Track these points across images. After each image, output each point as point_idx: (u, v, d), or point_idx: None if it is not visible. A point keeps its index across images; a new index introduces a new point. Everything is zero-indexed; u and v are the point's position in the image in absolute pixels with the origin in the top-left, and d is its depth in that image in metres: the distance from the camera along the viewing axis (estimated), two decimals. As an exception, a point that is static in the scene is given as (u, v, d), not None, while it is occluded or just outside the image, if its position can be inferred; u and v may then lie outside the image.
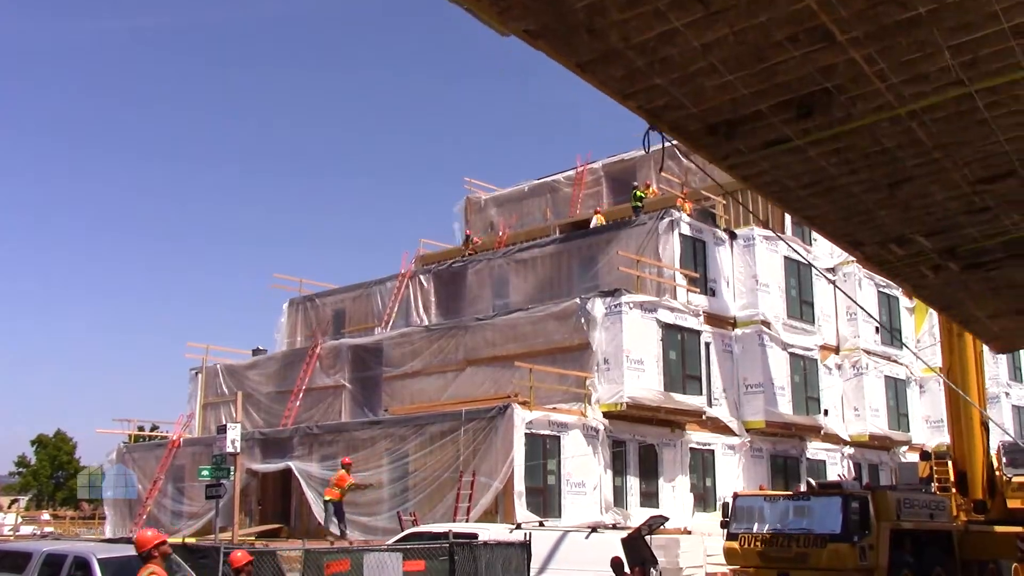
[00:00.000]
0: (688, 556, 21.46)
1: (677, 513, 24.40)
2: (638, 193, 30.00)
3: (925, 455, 26.78)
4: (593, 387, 24.41)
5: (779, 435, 29.08)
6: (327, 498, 22.91)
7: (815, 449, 30.43)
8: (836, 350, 32.13)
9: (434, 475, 23.27)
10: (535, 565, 15.64)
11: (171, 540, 20.55)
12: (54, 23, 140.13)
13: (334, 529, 22.82)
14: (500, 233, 35.44)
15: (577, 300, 25.50)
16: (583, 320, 25.00)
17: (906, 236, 11.82)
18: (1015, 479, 22.11)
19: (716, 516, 22.35)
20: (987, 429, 22.62)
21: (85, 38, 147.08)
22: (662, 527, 18.76)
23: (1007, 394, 38.44)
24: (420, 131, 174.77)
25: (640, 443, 25.34)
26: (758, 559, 18.29)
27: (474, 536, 16.23)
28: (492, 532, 16.89)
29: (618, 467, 24.72)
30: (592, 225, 31.57)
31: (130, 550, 13.70)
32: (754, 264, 28.80)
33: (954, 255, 12.65)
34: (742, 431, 28.04)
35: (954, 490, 22.74)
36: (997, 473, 22.61)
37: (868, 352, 32.16)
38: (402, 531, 19.45)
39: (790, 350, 29.17)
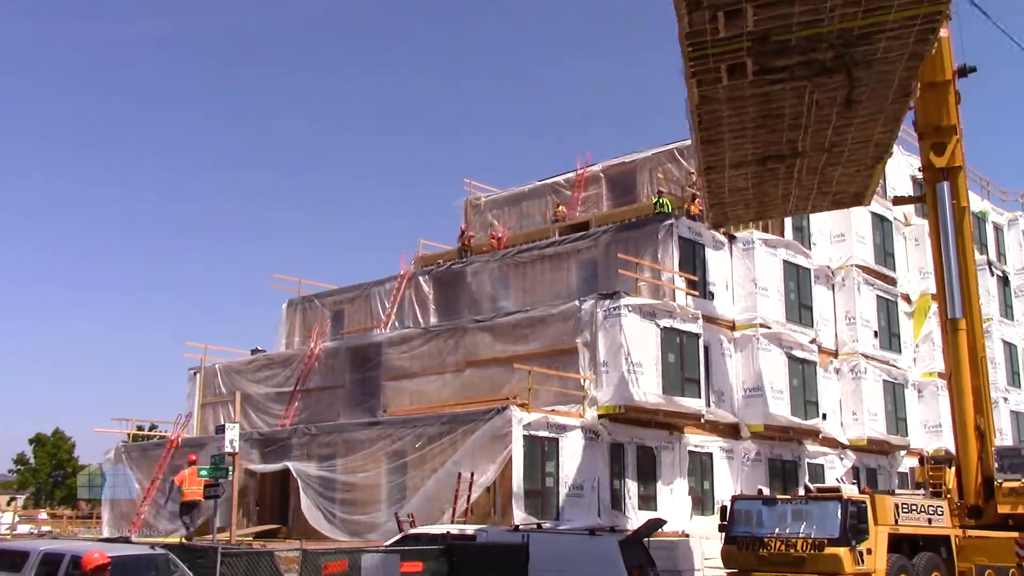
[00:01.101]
0: (686, 559, 21.46)
1: (675, 516, 24.42)
2: (663, 200, 29.75)
3: (924, 460, 26.80)
4: (591, 389, 24.41)
5: (777, 438, 29.08)
6: (196, 499, 23.68)
7: (813, 453, 30.44)
8: (835, 354, 32.13)
9: (432, 476, 23.25)
10: (532, 567, 15.63)
11: (168, 540, 20.58)
12: (57, 26, 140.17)
13: (187, 528, 23.56)
14: (500, 235, 35.34)
15: (576, 302, 25.50)
16: (582, 322, 25.01)
17: (741, 2, 12.93)
18: (1005, 484, 22.06)
19: (714, 519, 22.35)
20: (982, 434, 22.60)
21: (87, 41, 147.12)
22: (660, 530, 18.76)
23: (1005, 399, 38.45)
24: (420, 132, 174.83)
25: (638, 446, 25.34)
26: (756, 562, 18.30)
27: (472, 538, 16.25)
28: (490, 534, 16.88)
29: (616, 470, 24.72)
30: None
31: (129, 549, 13.73)
32: (753, 267, 28.81)
33: (762, 48, 13.93)
34: (740, 434, 28.04)
35: (949, 495, 22.75)
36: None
37: (866, 356, 32.15)
38: (400, 532, 19.45)
39: (789, 353, 29.17)
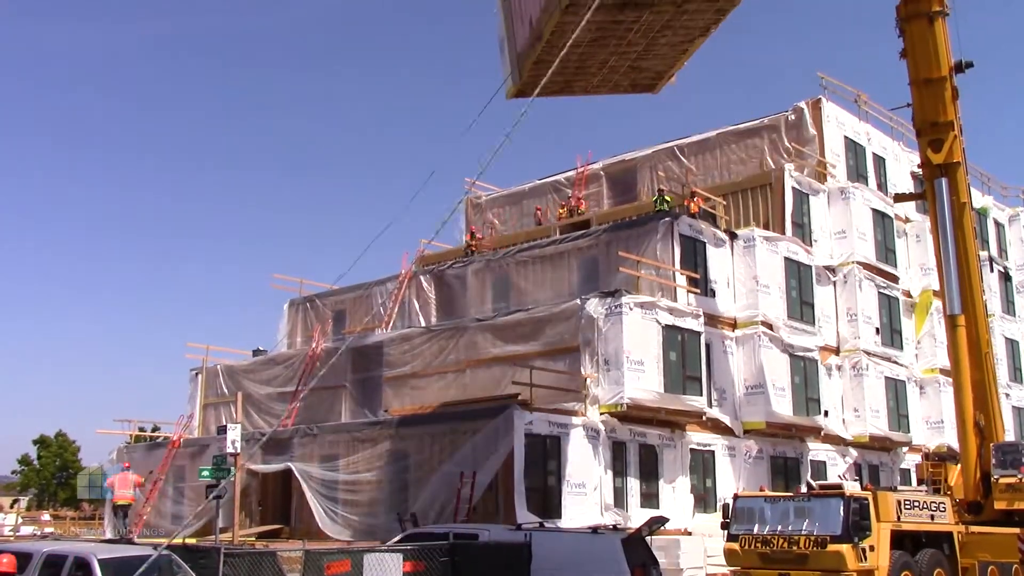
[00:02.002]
0: (688, 557, 21.47)
1: (677, 514, 24.38)
2: (666, 197, 29.74)
3: (929, 456, 26.80)
4: (593, 388, 24.39)
5: (779, 436, 29.06)
6: (126, 503, 24.13)
7: (815, 450, 30.42)
8: (836, 351, 32.09)
9: (434, 476, 23.24)
10: (535, 566, 15.61)
11: (171, 541, 20.57)
12: (58, 27, 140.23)
13: (119, 531, 23.95)
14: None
15: (577, 300, 25.48)
16: (583, 321, 24.98)
17: None
18: (1002, 480, 21.99)
19: (716, 517, 22.36)
20: (981, 429, 22.58)
21: (88, 41, 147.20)
22: (662, 528, 18.76)
23: (1007, 395, 38.38)
24: (420, 131, 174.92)
25: (640, 444, 25.32)
26: (758, 560, 18.31)
27: (474, 537, 16.22)
28: (492, 533, 16.87)
29: (618, 468, 24.70)
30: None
31: (131, 550, 13.74)
32: (754, 265, 28.76)
33: None
34: (742, 432, 28.02)
35: (950, 491, 22.74)
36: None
37: (868, 353, 32.10)
38: (402, 532, 19.44)
39: (790, 351, 29.13)
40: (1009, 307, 41.12)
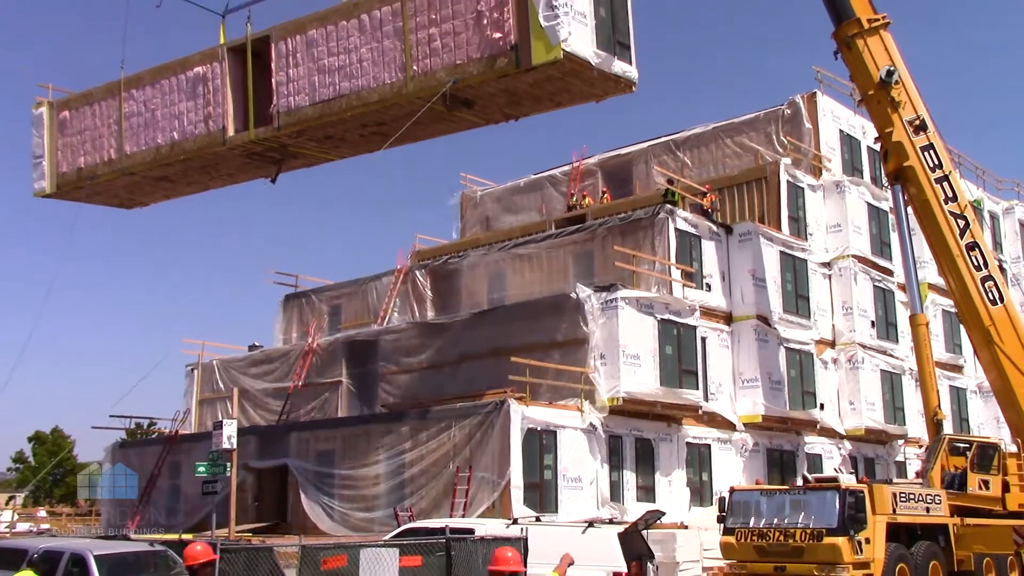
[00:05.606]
0: (685, 551, 21.45)
1: (674, 508, 24.46)
2: (671, 190, 29.64)
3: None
4: (590, 382, 24.42)
5: (775, 429, 29.12)
6: None
7: (811, 443, 30.47)
8: (832, 344, 32.14)
9: (431, 471, 23.27)
10: (532, 560, 15.62)
11: (166, 536, 20.56)
12: (49, 30, 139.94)
13: None
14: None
15: (573, 295, 25.50)
16: (579, 315, 25.00)
17: None
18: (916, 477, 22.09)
19: (713, 511, 22.40)
20: (939, 425, 22.72)
21: (86, 38, 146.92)
22: (659, 522, 18.78)
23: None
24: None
25: (637, 438, 25.37)
26: (754, 553, 18.35)
27: (471, 531, 16.22)
28: (489, 527, 16.88)
29: (615, 462, 24.75)
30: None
31: (125, 546, 13.73)
32: (750, 259, 28.80)
33: None
34: (739, 425, 28.07)
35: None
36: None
37: (864, 346, 32.15)
38: (399, 527, 19.45)
39: (786, 344, 29.18)
40: (1004, 300, 41.11)
